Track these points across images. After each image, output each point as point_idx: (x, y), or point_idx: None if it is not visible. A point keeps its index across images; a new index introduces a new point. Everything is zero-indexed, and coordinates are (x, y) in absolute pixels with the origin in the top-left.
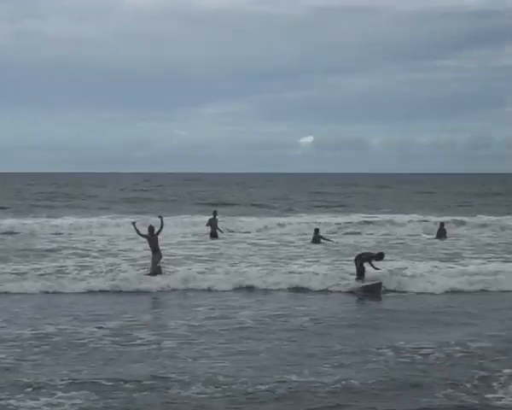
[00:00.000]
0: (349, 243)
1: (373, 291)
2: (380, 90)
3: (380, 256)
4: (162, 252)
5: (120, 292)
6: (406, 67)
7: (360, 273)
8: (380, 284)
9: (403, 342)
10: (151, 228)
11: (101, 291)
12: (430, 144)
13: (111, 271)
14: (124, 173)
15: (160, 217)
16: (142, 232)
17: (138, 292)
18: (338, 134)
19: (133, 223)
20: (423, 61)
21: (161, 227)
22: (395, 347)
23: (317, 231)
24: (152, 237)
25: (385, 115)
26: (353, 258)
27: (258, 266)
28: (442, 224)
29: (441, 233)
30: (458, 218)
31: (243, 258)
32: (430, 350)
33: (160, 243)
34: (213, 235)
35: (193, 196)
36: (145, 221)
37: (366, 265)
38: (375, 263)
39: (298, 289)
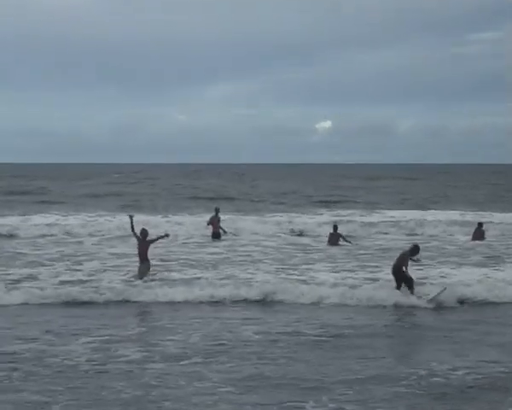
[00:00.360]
0: (374, 245)
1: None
2: (409, 68)
3: (414, 251)
4: (155, 256)
5: (102, 303)
6: (440, 41)
7: (403, 284)
8: (445, 290)
9: (435, 363)
10: (144, 232)
11: (80, 302)
12: (467, 130)
13: (92, 277)
14: (111, 164)
15: (166, 235)
16: (137, 232)
17: (124, 303)
18: (360, 118)
19: (130, 216)
20: (460, 33)
21: (156, 240)
22: (426, 369)
23: (335, 228)
24: (143, 243)
25: (415, 96)
26: (390, 271)
27: (266, 272)
28: (480, 224)
29: (478, 235)
30: (498, 214)
31: (249, 263)
32: (466, 371)
33: (150, 250)
34: (215, 235)
35: (192, 191)
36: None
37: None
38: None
39: (312, 301)
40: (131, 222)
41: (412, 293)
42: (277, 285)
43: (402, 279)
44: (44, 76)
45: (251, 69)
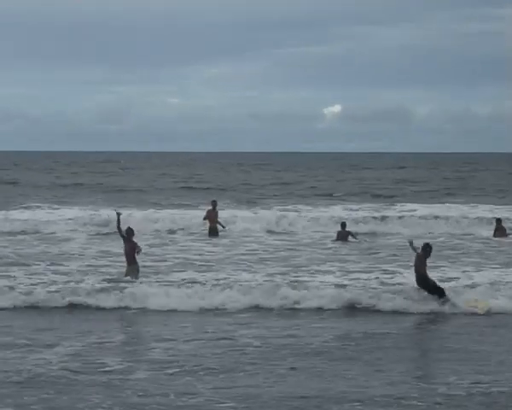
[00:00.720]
0: (389, 243)
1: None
2: (427, 46)
3: (427, 251)
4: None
5: (82, 307)
6: (460, 16)
7: (433, 293)
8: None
9: (454, 377)
10: (130, 230)
11: (56, 306)
12: (492, 116)
13: (72, 279)
14: (96, 152)
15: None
16: (123, 231)
17: (107, 308)
18: (372, 102)
19: (118, 213)
20: (485, 8)
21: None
22: (444, 382)
23: (343, 225)
24: (129, 242)
25: (434, 78)
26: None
27: (267, 274)
28: (499, 220)
29: (501, 231)
30: None
31: (250, 264)
32: (488, 386)
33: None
34: (212, 231)
35: (185, 181)
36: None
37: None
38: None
39: (316, 306)
40: (118, 219)
41: (444, 300)
42: (279, 289)
43: (431, 289)
44: (21, 54)
45: (253, 46)
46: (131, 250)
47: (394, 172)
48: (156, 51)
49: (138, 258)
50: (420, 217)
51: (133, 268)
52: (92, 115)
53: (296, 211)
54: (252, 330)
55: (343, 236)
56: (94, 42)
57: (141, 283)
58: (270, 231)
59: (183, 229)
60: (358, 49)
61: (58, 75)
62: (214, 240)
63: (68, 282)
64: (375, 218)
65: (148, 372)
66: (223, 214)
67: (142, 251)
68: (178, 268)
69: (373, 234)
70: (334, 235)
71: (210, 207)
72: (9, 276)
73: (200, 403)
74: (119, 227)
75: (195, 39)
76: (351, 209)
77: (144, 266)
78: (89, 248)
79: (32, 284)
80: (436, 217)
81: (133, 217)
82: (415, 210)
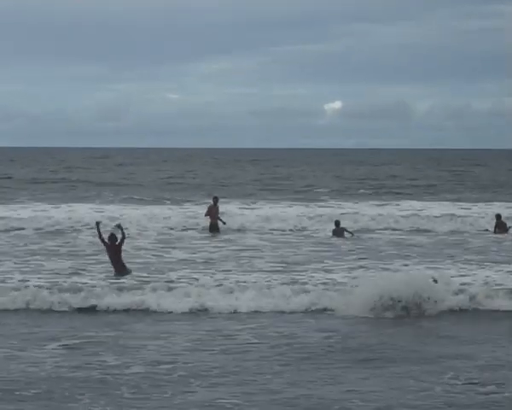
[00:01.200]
0: (388, 239)
1: None
2: (427, 43)
3: None
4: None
5: (73, 308)
6: (459, 13)
7: None
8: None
9: (452, 376)
10: (112, 237)
11: (46, 307)
12: (491, 111)
13: (66, 278)
14: (95, 149)
15: (119, 227)
16: (105, 238)
17: (103, 307)
18: (372, 99)
19: (97, 223)
20: (481, 5)
21: (123, 237)
22: (442, 382)
23: (337, 223)
24: (112, 247)
25: (433, 74)
26: None
27: (267, 272)
28: (499, 216)
29: (501, 228)
30: None
31: (250, 260)
32: (486, 385)
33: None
34: (213, 227)
35: (185, 177)
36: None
37: None
38: None
39: (318, 310)
40: (98, 229)
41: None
42: (277, 288)
43: None
44: (21, 52)
45: (254, 43)
46: (116, 254)
47: (394, 168)
48: (156, 49)
49: (135, 254)
50: (420, 213)
51: (121, 271)
52: (92, 113)
53: (296, 207)
54: (248, 328)
55: (338, 233)
56: (94, 40)
57: (137, 280)
58: (270, 228)
59: (182, 225)
60: (358, 46)
61: (58, 73)
62: (215, 237)
63: (63, 279)
64: (374, 214)
65: (144, 370)
66: (223, 210)
67: (141, 249)
68: (177, 266)
69: (372, 230)
70: (330, 234)
71: (211, 203)
72: (4, 272)
73: (199, 400)
74: (100, 236)
75: (195, 37)
76: (351, 204)
77: (142, 263)
78: (91, 245)
79: (26, 281)
80: (436, 213)
81: (132, 213)
82: (415, 207)
